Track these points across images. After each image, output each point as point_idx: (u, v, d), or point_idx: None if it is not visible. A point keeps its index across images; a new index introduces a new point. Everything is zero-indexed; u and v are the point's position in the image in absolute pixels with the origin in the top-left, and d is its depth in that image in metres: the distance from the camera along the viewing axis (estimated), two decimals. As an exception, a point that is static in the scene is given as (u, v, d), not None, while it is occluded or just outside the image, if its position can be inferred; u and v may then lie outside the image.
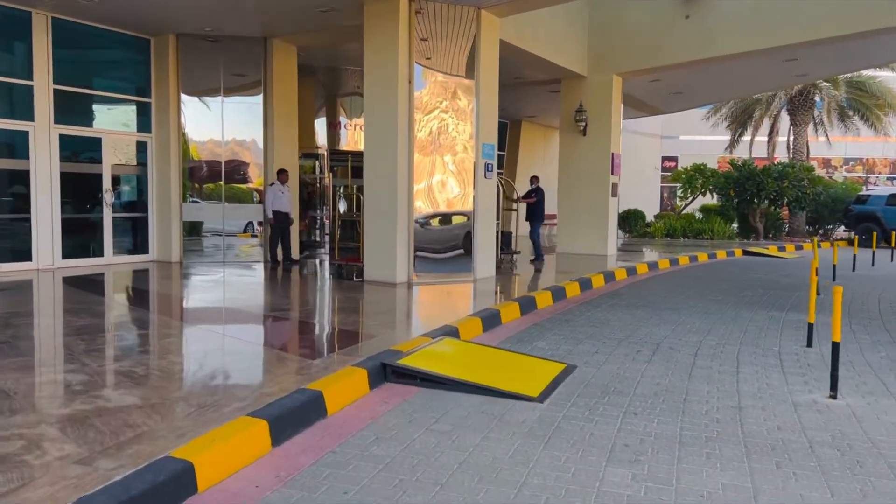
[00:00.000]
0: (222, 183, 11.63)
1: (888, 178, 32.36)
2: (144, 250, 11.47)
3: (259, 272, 10.62)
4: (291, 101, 11.92)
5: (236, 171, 11.83)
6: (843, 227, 21.79)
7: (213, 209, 11.65)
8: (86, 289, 8.69)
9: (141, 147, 11.43)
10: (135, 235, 11.56)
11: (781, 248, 17.55)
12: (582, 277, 9.81)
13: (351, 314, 6.90)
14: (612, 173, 13.81)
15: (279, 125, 11.71)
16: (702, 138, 31.74)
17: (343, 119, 13.82)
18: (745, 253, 16.21)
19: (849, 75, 20.06)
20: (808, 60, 13.08)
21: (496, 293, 8.62)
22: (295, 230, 11.91)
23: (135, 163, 11.45)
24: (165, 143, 11.29)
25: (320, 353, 5.17)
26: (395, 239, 8.86)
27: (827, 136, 23.09)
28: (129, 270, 10.43)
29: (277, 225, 11.36)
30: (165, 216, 11.37)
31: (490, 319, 6.68)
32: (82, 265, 10.45)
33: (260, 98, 11.71)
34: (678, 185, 22.45)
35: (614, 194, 14.00)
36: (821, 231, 22.14)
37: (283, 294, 8.49)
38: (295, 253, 11.93)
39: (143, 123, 11.41)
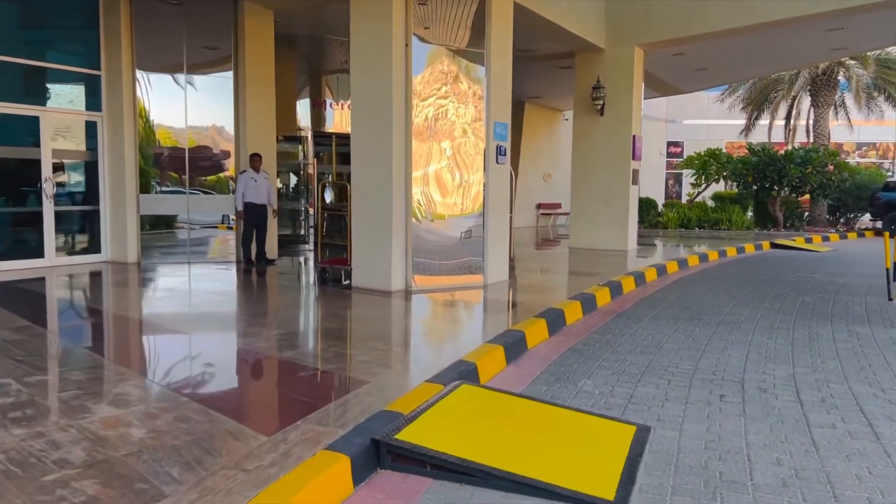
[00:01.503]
0: (186, 171, 9.99)
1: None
2: (95, 249, 9.84)
3: (227, 276, 9.03)
4: (267, 76, 10.28)
5: (204, 157, 10.20)
6: (868, 217, 20.34)
7: (176, 201, 10.03)
8: None
9: (90, 128, 9.77)
10: (84, 232, 9.93)
11: (808, 240, 16.10)
12: (610, 281, 8.28)
13: (332, 342, 5.30)
14: (633, 158, 12.26)
15: (253, 104, 10.08)
16: (709, 122, 30.23)
17: (329, 97, 12.19)
18: (773, 246, 14.73)
19: (876, 52, 18.55)
20: (855, 30, 11.53)
21: (514, 305, 7.06)
22: (273, 225, 10.31)
23: (83, 147, 9.79)
24: (118, 123, 9.63)
25: (282, 419, 3.60)
26: (391, 237, 7.29)
27: (849, 118, 21.59)
28: (70, 275, 8.81)
29: (251, 218, 9.76)
30: (120, 209, 9.73)
31: (514, 346, 5.15)
32: (15, 269, 8.81)
33: (230, 73, 10.07)
34: (691, 171, 20.90)
35: (635, 182, 12.46)
36: (842, 220, 20.69)
37: (247, 311, 6.85)
38: (273, 251, 10.33)
39: (93, 101, 9.74)
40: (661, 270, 9.93)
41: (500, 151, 7.98)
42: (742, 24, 10.79)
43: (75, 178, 9.84)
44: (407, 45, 7.32)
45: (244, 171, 9.81)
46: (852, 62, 19.21)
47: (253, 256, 9.92)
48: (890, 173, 22.35)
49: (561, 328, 6.23)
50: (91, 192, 9.82)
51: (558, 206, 21.59)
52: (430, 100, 7.51)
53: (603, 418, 3.74)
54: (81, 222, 9.91)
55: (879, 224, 18.76)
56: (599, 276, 9.04)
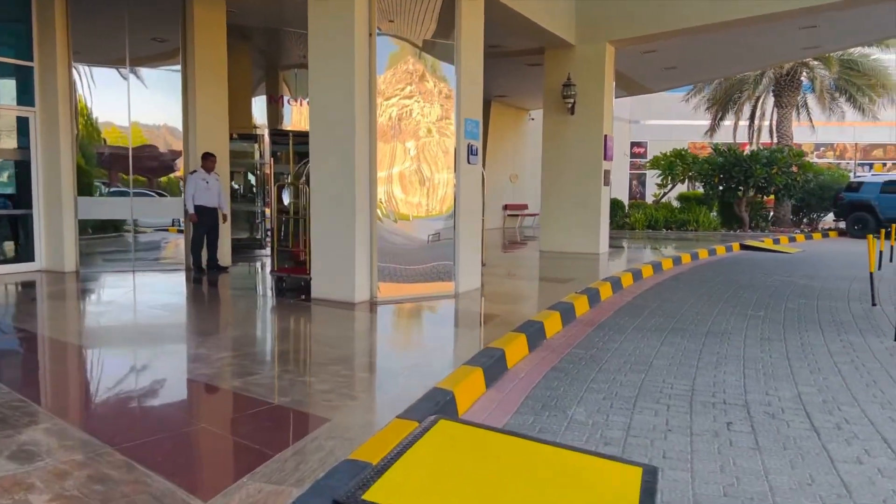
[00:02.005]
0: (130, 171, 9.20)
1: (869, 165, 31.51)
2: (27, 257, 8.97)
3: (173, 286, 8.30)
4: (219, 69, 9.56)
5: (150, 156, 9.43)
6: (832, 217, 20.46)
7: (118, 204, 9.23)
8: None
9: (22, 125, 8.91)
10: (14, 239, 9.07)
11: (776, 241, 16.01)
12: (588, 288, 7.84)
13: (288, 368, 4.66)
14: (605, 158, 11.88)
15: (204, 100, 9.35)
16: (672, 123, 30.26)
17: (286, 94, 11.49)
18: (743, 247, 14.56)
19: (839, 53, 18.63)
20: (828, 28, 11.35)
21: (489, 317, 6.52)
22: (226, 230, 9.59)
23: (13, 145, 8.92)
24: (53, 119, 8.80)
25: (225, 474, 2.99)
26: (354, 244, 6.69)
27: (810, 119, 21.71)
28: None
29: (201, 223, 9.04)
30: (55, 213, 8.89)
31: (493, 366, 4.62)
32: (-63, 280, 7.95)
33: (178, 66, 9.32)
34: (657, 172, 20.74)
35: (607, 183, 12.08)
36: (805, 220, 20.79)
37: (193, 329, 6.13)
38: (226, 258, 9.61)
39: (25, 95, 8.89)
40: (636, 275, 9.54)
41: (471, 151, 7.46)
42: (715, 20, 10.49)
43: (4, 179, 8.96)
44: (371, 35, 6.73)
45: (194, 171, 9.08)
46: (816, 63, 19.28)
47: (204, 264, 9.19)
48: (852, 174, 22.53)
49: (541, 342, 5.73)
50: (23, 195, 8.96)
51: (525, 207, 21.21)
52: (394, 99, 6.93)
53: (603, 458, 3.23)
54: (11, 227, 9.05)
55: (843, 224, 18.85)
56: (575, 281, 8.59)
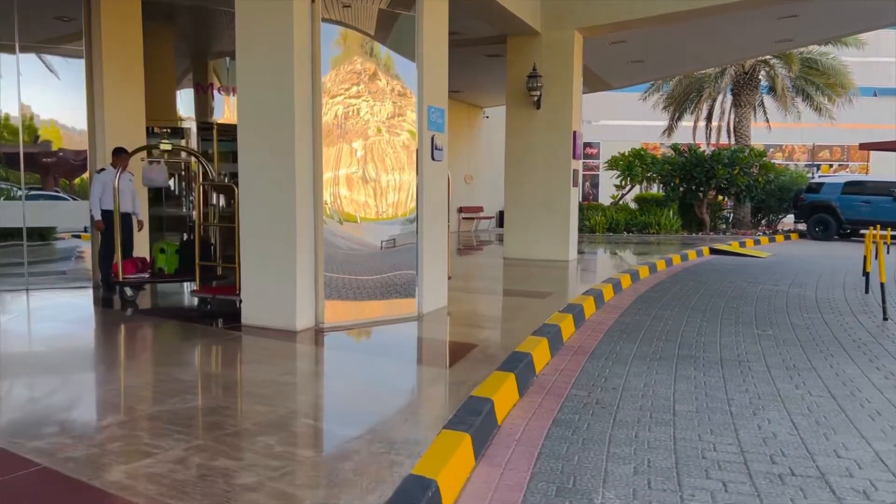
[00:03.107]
0: (21, 170, 7.66)
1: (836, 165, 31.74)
2: None
3: (71, 309, 6.85)
4: (132, 53, 8.12)
5: (47, 153, 7.90)
6: (790, 218, 20.13)
7: (6, 208, 7.67)
8: None
9: None
10: None
11: (742, 244, 15.43)
12: (571, 305, 6.77)
13: (194, 443, 3.23)
14: (574, 157, 10.89)
15: (114, 89, 7.91)
16: (624, 123, 29.81)
17: (217, 82, 10.06)
18: (713, 252, 13.83)
19: (800, 50, 18.27)
20: (808, 18, 10.66)
21: (465, 348, 5.32)
22: (142, 239, 8.14)
23: None
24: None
25: None
26: (294, 258, 5.41)
27: (767, 118, 21.39)
28: None
29: (112, 231, 7.57)
30: (-74, 222, 7.28)
31: (483, 426, 3.45)
32: None
33: (81, 49, 7.83)
34: (614, 172, 20.02)
35: (575, 184, 11.09)
36: (764, 222, 20.41)
37: (83, 380, 4.67)
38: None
39: None
40: (616, 286, 8.54)
41: (435, 145, 6.27)
42: (691, 6, 9.62)
43: None
44: (314, 2, 5.47)
45: (102, 169, 7.62)
46: (776, 61, 18.87)
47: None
48: (811, 175, 22.36)
49: (531, 380, 4.60)
50: None
51: (480, 209, 20.17)
52: (344, 89, 5.70)
53: None
54: None
55: (803, 226, 18.49)
56: (553, 296, 7.52)
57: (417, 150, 6.11)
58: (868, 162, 31.20)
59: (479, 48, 12.09)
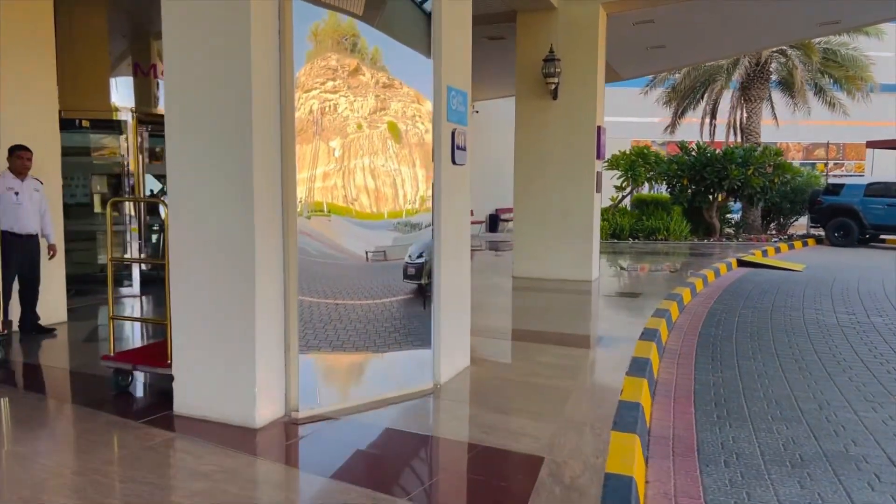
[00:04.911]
0: None
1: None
2: None
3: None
4: (39, 25, 6.12)
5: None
6: (803, 222, 18.70)
7: None
8: None
9: None
10: None
11: (765, 253, 13.87)
12: (636, 361, 4.99)
13: None
14: (598, 157, 9.14)
15: (13, 71, 5.89)
16: (621, 119, 28.22)
17: (161, 63, 8.09)
18: (741, 264, 12.20)
19: (818, 40, 16.78)
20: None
21: (515, 463, 3.45)
22: (56, 267, 6.17)
23: None
24: None
25: None
26: (253, 313, 3.51)
27: (775, 115, 19.91)
28: None
29: (11, 258, 5.62)
30: None
31: None
32: None
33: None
34: (615, 173, 18.35)
35: (599, 189, 9.34)
36: (773, 225, 18.94)
37: None
38: (56, 314, 6.18)
39: None
40: (667, 319, 6.78)
41: (456, 144, 4.43)
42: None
43: None
44: (280, -77, 3.58)
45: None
46: (794, 51, 17.34)
47: (17, 324, 5.76)
48: (823, 174, 20.96)
49: (644, 531, 2.80)
50: None
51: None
52: (318, 77, 3.81)
53: None
54: None
55: (821, 232, 17.03)
56: (598, 342, 5.75)
57: (433, 149, 4.26)
58: (864, 161, 30.11)
59: (481, 29, 10.19)
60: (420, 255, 4.16)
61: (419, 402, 4.12)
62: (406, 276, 4.11)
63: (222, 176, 3.55)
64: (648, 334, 5.89)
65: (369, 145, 4.00)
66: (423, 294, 4.32)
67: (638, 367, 4.84)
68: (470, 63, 4.80)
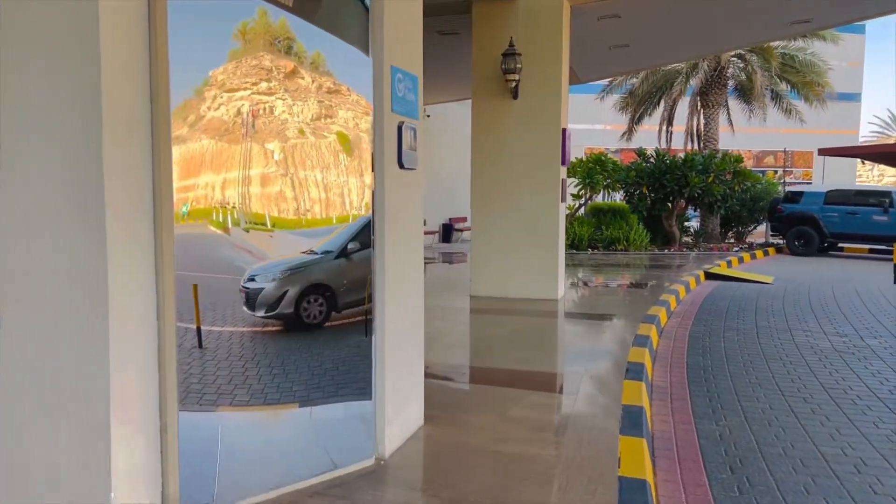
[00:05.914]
0: None
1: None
2: None
3: None
4: None
5: None
6: (762, 230, 18.36)
7: None
8: None
9: None
10: None
11: (729, 264, 13.33)
12: (627, 409, 4.06)
13: None
14: (563, 163, 8.26)
15: None
16: (576, 127, 27.67)
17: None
18: (708, 276, 11.55)
19: (776, 44, 16.45)
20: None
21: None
22: None
23: None
24: None
25: None
26: (108, 404, 2.40)
27: (730, 122, 19.60)
28: None
29: None
30: None
31: None
32: None
33: None
34: (574, 180, 17.65)
35: (563, 198, 8.47)
36: (732, 234, 18.55)
37: None
38: None
39: None
40: (646, 345, 5.90)
41: (403, 141, 3.41)
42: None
43: None
44: None
45: None
46: (753, 56, 16.97)
47: None
48: (781, 182, 20.74)
49: None
50: None
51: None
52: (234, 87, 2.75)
53: None
54: None
55: (781, 240, 16.68)
56: (580, 380, 4.80)
57: (374, 149, 3.24)
58: (812, 168, 30.44)
59: (432, 22, 9.26)
60: (252, 279, 2.96)
61: (353, 492, 3.05)
62: (246, 305, 2.94)
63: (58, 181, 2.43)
64: (635, 371, 4.98)
65: (317, 154, 2.95)
66: (367, 326, 3.28)
67: (632, 420, 3.91)
68: (421, 39, 3.80)
